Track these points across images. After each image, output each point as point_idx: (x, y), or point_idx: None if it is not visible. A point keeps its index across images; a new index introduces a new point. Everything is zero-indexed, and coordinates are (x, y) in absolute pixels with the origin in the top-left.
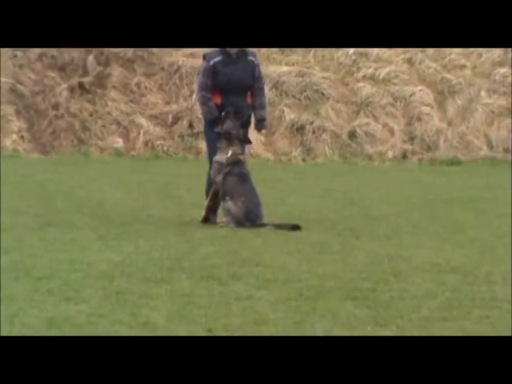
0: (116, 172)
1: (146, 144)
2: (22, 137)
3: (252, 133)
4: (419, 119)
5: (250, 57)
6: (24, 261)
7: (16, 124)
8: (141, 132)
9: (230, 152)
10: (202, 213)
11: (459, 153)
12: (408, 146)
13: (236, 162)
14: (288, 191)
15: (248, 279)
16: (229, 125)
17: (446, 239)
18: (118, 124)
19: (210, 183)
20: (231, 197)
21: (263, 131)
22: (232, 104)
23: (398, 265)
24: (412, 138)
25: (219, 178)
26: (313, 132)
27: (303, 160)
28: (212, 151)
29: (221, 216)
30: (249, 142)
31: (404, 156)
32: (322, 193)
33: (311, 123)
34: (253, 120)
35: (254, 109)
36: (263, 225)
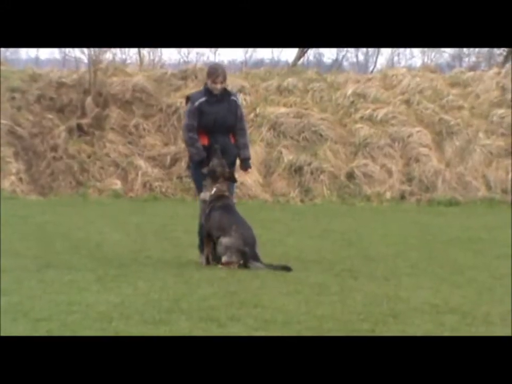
0: (114, 213)
1: (144, 185)
2: (20, 179)
3: (251, 175)
4: (417, 160)
5: (233, 97)
6: (23, 302)
7: (14, 165)
8: (139, 173)
9: (214, 190)
10: (203, 260)
11: (457, 194)
12: (406, 187)
13: (219, 197)
14: (286, 232)
15: (246, 320)
16: (214, 162)
17: (445, 279)
18: (116, 165)
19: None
20: (223, 232)
21: (249, 170)
22: (220, 144)
23: (396, 306)
24: (410, 179)
25: (203, 217)
26: (311, 173)
27: (301, 201)
28: (200, 192)
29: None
30: (234, 180)
31: (402, 197)
32: (320, 234)
33: (309, 164)
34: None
35: (239, 149)
36: (257, 259)
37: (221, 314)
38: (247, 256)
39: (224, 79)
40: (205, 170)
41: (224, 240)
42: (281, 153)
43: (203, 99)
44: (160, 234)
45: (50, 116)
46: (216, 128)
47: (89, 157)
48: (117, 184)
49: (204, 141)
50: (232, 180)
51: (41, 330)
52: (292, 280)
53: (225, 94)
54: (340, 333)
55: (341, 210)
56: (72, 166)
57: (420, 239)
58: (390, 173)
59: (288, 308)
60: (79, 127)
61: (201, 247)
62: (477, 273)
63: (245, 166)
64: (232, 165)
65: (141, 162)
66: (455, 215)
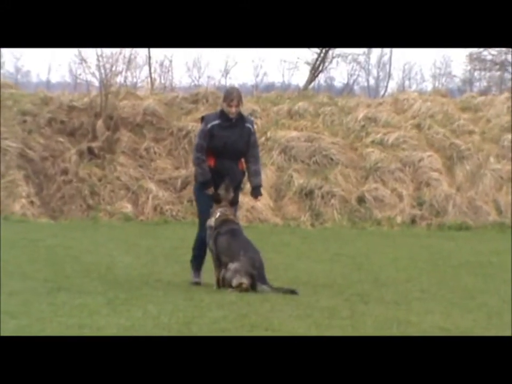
0: (125, 236)
1: (155, 209)
2: (31, 202)
3: (262, 199)
4: (428, 184)
5: (248, 124)
6: (33, 325)
7: (25, 188)
8: (150, 197)
9: (218, 214)
10: (195, 279)
11: (468, 218)
12: (416, 212)
13: (225, 222)
14: (296, 256)
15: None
16: (221, 186)
17: (455, 304)
18: (127, 188)
19: (199, 244)
20: (232, 258)
21: (259, 198)
22: (225, 168)
23: (407, 331)
24: (420, 204)
25: (211, 243)
26: (322, 197)
27: (312, 225)
28: (201, 212)
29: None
30: (235, 203)
31: (413, 221)
32: (331, 258)
33: (320, 188)
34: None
35: (250, 176)
36: (265, 281)
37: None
38: (255, 278)
39: (239, 102)
40: (208, 191)
41: (233, 266)
42: (292, 177)
43: (216, 122)
44: (171, 258)
45: (61, 139)
46: (225, 152)
47: (100, 180)
48: (128, 208)
49: (211, 162)
50: (235, 203)
51: None
52: (302, 304)
53: (240, 119)
54: None
55: (352, 235)
56: (82, 189)
57: (430, 263)
58: (400, 197)
59: (298, 332)
60: (90, 150)
61: (193, 264)
62: (487, 297)
63: (256, 193)
64: (236, 189)
65: (151, 186)
66: (466, 240)
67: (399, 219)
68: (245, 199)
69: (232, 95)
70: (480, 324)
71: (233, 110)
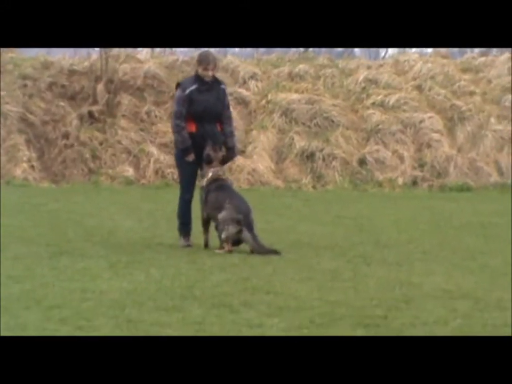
0: (126, 200)
1: (156, 172)
2: (32, 166)
3: (263, 161)
4: (429, 146)
5: (222, 86)
6: (36, 290)
7: (26, 153)
8: (151, 160)
9: (210, 174)
10: (183, 243)
11: (469, 179)
12: (418, 173)
13: (215, 180)
14: (298, 219)
15: (259, 306)
16: (207, 149)
17: (457, 265)
18: (128, 152)
19: (183, 210)
20: (219, 209)
21: (235, 158)
22: (207, 132)
23: (409, 292)
24: (421, 165)
25: (202, 203)
26: (323, 159)
27: (313, 187)
28: (184, 177)
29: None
30: (225, 162)
31: (414, 183)
32: (332, 220)
33: (321, 150)
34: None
35: (226, 137)
36: (251, 228)
37: (234, 301)
38: (241, 223)
39: (215, 66)
40: (189, 158)
41: (220, 215)
42: (293, 139)
43: (194, 87)
44: (173, 221)
45: (62, 103)
46: (205, 116)
47: (101, 144)
48: (129, 171)
49: (192, 128)
50: (225, 162)
51: (54, 318)
52: (305, 266)
53: (215, 82)
54: (353, 319)
55: (353, 197)
56: (84, 153)
57: (432, 224)
58: (401, 158)
59: (300, 294)
60: (91, 114)
61: (182, 231)
62: (489, 258)
63: (232, 154)
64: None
65: (153, 149)
66: (467, 201)
67: (400, 181)
68: (246, 162)
69: (208, 58)
70: (482, 285)
71: (210, 73)
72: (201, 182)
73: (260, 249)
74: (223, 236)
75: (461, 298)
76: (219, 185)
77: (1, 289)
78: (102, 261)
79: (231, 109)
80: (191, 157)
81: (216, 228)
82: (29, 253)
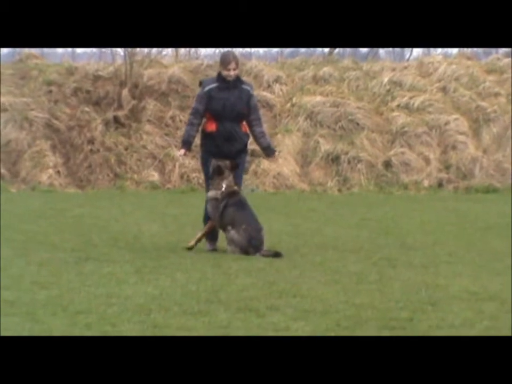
0: (152, 205)
1: (181, 177)
2: (58, 172)
3: (288, 165)
4: (454, 148)
5: (245, 86)
6: (62, 295)
7: (52, 159)
8: (176, 165)
9: (224, 186)
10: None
11: (495, 180)
12: (443, 175)
13: (231, 194)
14: (323, 222)
15: (285, 310)
16: (213, 162)
17: (483, 267)
18: (154, 157)
19: (207, 214)
20: (233, 226)
21: (276, 154)
22: (228, 131)
23: (435, 294)
24: (447, 167)
25: (216, 214)
26: (349, 162)
27: (339, 190)
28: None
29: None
30: (236, 167)
31: (440, 185)
32: (358, 223)
33: (346, 153)
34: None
35: (257, 139)
36: (260, 249)
37: (260, 305)
38: (247, 251)
39: (237, 65)
40: (180, 152)
41: (232, 233)
42: (318, 142)
43: (214, 85)
44: (198, 226)
45: (87, 109)
46: (224, 114)
47: (126, 149)
48: (154, 176)
49: (212, 126)
50: (235, 167)
51: (80, 324)
52: (330, 270)
53: (238, 81)
54: (379, 322)
55: (379, 199)
56: (109, 158)
57: (457, 226)
58: (427, 161)
59: (326, 297)
60: (116, 119)
61: (208, 235)
62: None
63: (269, 152)
64: (240, 152)
65: (178, 154)
66: (493, 202)
67: (426, 183)
68: (271, 165)
69: (229, 58)
70: (509, 286)
71: (232, 73)
72: (211, 193)
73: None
74: (228, 249)
75: (487, 300)
76: (237, 202)
77: (27, 295)
78: (127, 266)
79: (259, 111)
80: (181, 152)
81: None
82: (55, 258)
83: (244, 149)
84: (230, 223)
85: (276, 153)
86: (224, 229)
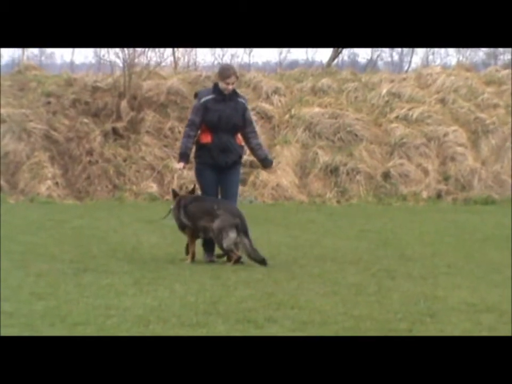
0: (150, 216)
1: (180, 188)
2: (56, 183)
3: (287, 176)
4: (453, 159)
5: (241, 100)
6: (60, 306)
7: (50, 170)
8: (175, 176)
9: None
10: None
11: (493, 192)
12: (442, 186)
13: (182, 197)
14: (322, 233)
15: (284, 322)
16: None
17: (482, 278)
18: (152, 168)
19: None
20: (208, 218)
21: (273, 165)
22: (223, 142)
23: (433, 306)
24: (446, 178)
25: (183, 220)
26: (347, 173)
27: (338, 201)
28: (205, 192)
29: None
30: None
31: (438, 196)
32: (357, 234)
33: (345, 164)
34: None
35: (254, 151)
36: (247, 234)
37: (258, 316)
38: (239, 228)
39: (236, 80)
40: (177, 166)
41: (215, 224)
42: (316, 154)
43: (210, 96)
44: None
45: (85, 120)
46: (220, 126)
47: (125, 160)
48: (153, 187)
49: (207, 138)
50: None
51: (79, 335)
52: (329, 281)
53: (234, 94)
54: (377, 333)
55: (377, 211)
56: (108, 169)
57: (456, 238)
58: (426, 172)
59: (325, 309)
60: (115, 130)
61: (206, 247)
62: None
63: (266, 164)
64: (235, 163)
65: (176, 165)
66: (492, 214)
67: (424, 194)
68: (270, 177)
69: (230, 72)
70: (507, 298)
71: (230, 87)
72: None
73: (255, 256)
74: (225, 245)
75: (485, 311)
76: (193, 198)
77: (25, 306)
78: (126, 277)
79: (254, 124)
80: (180, 165)
81: (211, 238)
82: (53, 269)
83: (238, 161)
84: (202, 218)
85: (273, 164)
86: (205, 229)
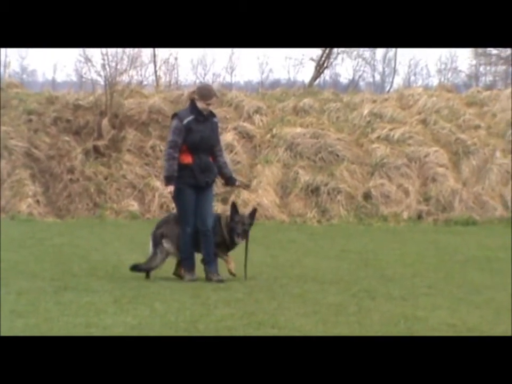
0: (131, 234)
1: (161, 206)
2: (37, 201)
3: (268, 195)
4: (434, 180)
5: (215, 119)
6: (40, 325)
7: (31, 188)
8: (156, 195)
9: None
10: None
11: (474, 213)
12: (423, 207)
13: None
14: (303, 253)
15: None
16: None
17: (462, 299)
18: (133, 187)
19: (188, 244)
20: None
21: (237, 183)
22: (204, 163)
23: (414, 327)
24: (427, 199)
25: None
26: (328, 193)
27: (318, 221)
28: (182, 212)
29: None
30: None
31: (419, 217)
32: (337, 254)
33: (326, 184)
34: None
35: (222, 168)
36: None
37: (238, 336)
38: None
39: (216, 100)
40: (167, 189)
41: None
42: (297, 173)
43: (191, 117)
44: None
45: (67, 138)
46: (201, 146)
47: (106, 178)
48: (134, 206)
49: (188, 158)
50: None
51: None
52: (309, 301)
53: (210, 114)
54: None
55: (358, 231)
56: (89, 187)
57: (437, 258)
58: (406, 192)
59: (305, 329)
60: (96, 149)
61: (184, 264)
62: (494, 293)
63: (232, 182)
64: (213, 182)
65: (157, 184)
66: (472, 235)
67: (405, 215)
68: (251, 196)
69: (211, 92)
70: (488, 319)
71: (210, 107)
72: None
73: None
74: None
75: (466, 332)
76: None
77: (4, 324)
78: (106, 295)
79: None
80: (170, 188)
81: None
82: (33, 287)
83: (215, 179)
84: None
85: (237, 183)
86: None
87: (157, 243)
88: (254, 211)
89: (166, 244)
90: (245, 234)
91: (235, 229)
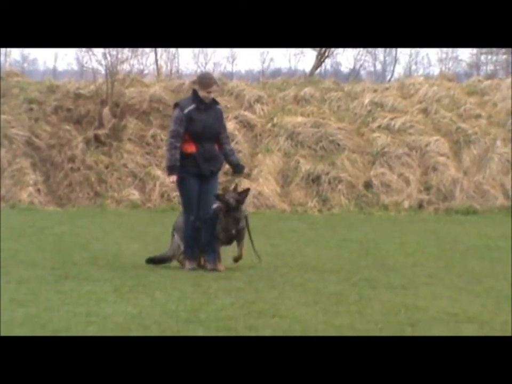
0: (132, 224)
1: (162, 196)
2: (38, 190)
3: (269, 184)
4: (435, 169)
5: (219, 106)
6: (40, 314)
7: (32, 176)
8: (157, 184)
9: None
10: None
11: (475, 202)
12: (424, 196)
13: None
14: (304, 242)
15: (264, 330)
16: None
17: (463, 288)
18: (134, 176)
19: (191, 232)
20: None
21: (245, 171)
22: (207, 151)
23: (414, 316)
24: (427, 188)
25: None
26: (329, 183)
27: (319, 210)
28: (185, 201)
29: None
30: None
31: (420, 206)
32: (338, 244)
33: (327, 174)
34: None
35: (228, 156)
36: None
37: (239, 325)
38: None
39: (217, 88)
40: (170, 179)
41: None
42: (298, 163)
43: (192, 106)
44: None
45: (67, 127)
46: (204, 135)
47: (106, 167)
48: (135, 195)
49: (192, 148)
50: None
51: None
52: (310, 290)
53: (213, 102)
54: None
55: (359, 220)
56: (89, 176)
57: (437, 248)
58: (407, 182)
59: (306, 318)
60: (97, 138)
61: (186, 253)
62: (495, 282)
63: (239, 170)
64: (218, 171)
65: (158, 173)
66: (473, 224)
67: (406, 204)
68: (252, 185)
69: (211, 80)
70: (488, 308)
71: (211, 96)
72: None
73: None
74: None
75: (466, 321)
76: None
77: (5, 313)
78: (107, 284)
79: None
80: (172, 178)
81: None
82: (34, 276)
83: (220, 168)
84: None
85: (245, 170)
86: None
87: (172, 235)
88: (246, 190)
89: (177, 236)
90: (237, 204)
91: (227, 200)
